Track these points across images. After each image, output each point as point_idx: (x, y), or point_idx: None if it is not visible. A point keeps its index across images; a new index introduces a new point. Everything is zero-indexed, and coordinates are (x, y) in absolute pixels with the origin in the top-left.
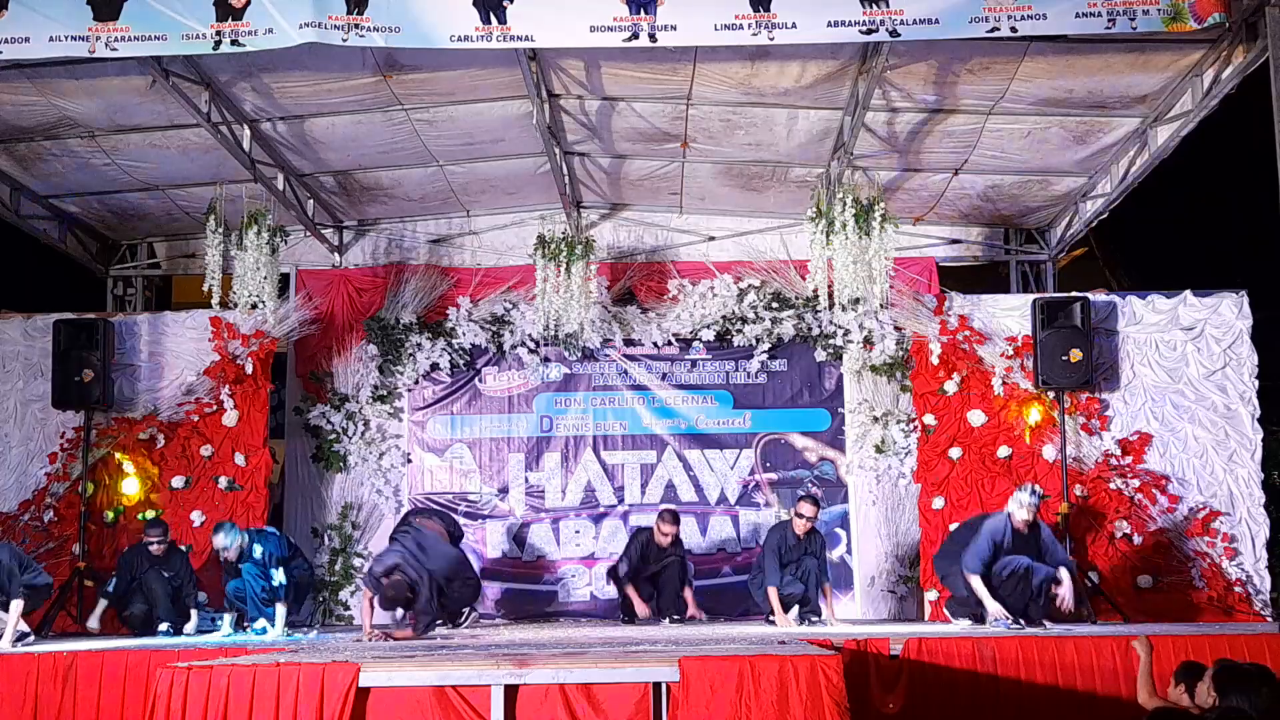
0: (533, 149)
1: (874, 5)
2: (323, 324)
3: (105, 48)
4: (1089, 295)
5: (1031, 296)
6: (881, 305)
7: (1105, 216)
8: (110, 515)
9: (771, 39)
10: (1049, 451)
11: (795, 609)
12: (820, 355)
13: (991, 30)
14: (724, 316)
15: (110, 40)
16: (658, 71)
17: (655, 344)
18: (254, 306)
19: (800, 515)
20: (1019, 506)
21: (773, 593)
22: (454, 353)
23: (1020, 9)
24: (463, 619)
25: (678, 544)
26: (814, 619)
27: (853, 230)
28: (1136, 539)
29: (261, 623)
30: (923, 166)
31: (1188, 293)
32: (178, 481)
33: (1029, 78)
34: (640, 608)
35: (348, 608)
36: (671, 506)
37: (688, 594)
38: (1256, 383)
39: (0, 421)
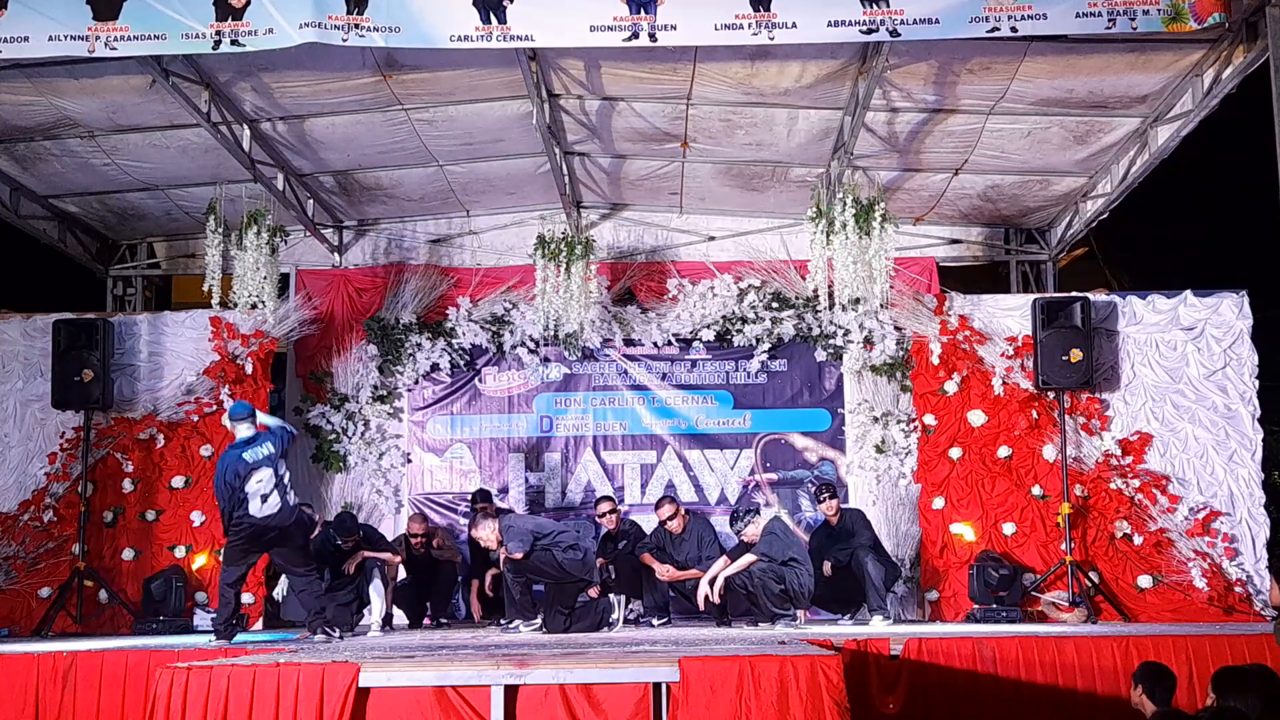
0: (533, 149)
1: (874, 5)
2: (322, 324)
3: (105, 47)
4: (1089, 295)
5: (1032, 296)
6: (882, 305)
7: (1105, 216)
8: (110, 515)
9: (771, 39)
10: (1049, 451)
11: None
12: (820, 355)
13: (992, 30)
14: (724, 316)
15: (110, 40)
16: (658, 71)
17: (655, 344)
18: (254, 306)
19: None
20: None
21: None
22: (454, 353)
23: (1020, 9)
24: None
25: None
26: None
27: (853, 230)
28: (1137, 539)
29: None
30: (923, 166)
31: (1188, 293)
32: (178, 481)
33: (1029, 78)
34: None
35: None
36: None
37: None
38: (1257, 383)
39: (0, 421)
